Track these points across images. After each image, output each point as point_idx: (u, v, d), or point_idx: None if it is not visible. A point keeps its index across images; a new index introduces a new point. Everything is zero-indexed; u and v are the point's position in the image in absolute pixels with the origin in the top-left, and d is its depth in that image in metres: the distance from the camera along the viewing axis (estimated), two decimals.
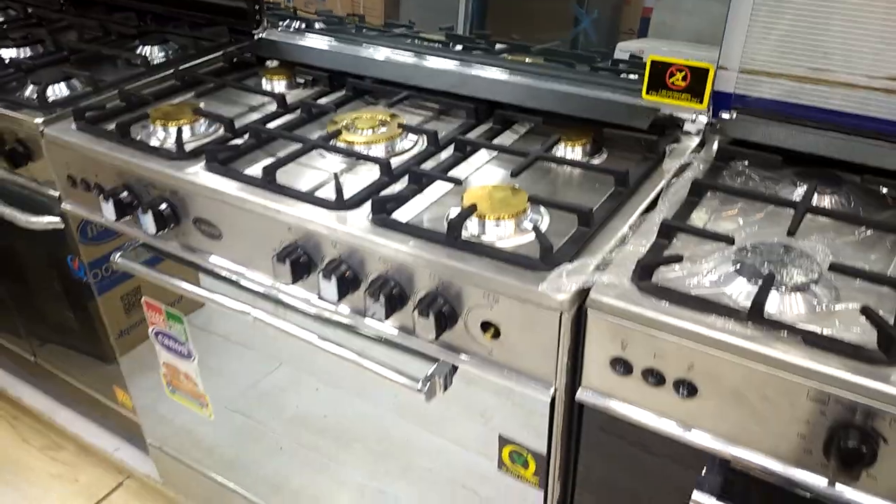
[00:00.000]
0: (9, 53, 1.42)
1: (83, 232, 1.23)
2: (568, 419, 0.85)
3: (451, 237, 0.83)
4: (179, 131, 1.06)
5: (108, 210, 1.05)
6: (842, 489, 0.70)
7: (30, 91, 1.25)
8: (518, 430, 0.89)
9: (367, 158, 1.01)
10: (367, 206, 0.91)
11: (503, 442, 0.91)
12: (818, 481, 0.71)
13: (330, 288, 0.88)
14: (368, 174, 0.99)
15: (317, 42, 1.39)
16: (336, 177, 0.93)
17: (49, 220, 1.25)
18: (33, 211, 1.27)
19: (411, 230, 0.86)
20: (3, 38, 1.49)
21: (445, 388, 0.90)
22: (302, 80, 1.33)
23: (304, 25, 1.43)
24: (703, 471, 0.77)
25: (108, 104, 1.21)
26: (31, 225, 1.27)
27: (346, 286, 0.89)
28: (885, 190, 0.92)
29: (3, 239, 1.45)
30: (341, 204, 0.91)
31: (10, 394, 1.81)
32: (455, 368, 0.89)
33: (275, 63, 1.37)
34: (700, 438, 0.76)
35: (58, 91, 1.24)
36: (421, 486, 1.06)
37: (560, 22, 1.21)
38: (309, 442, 1.17)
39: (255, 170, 1.00)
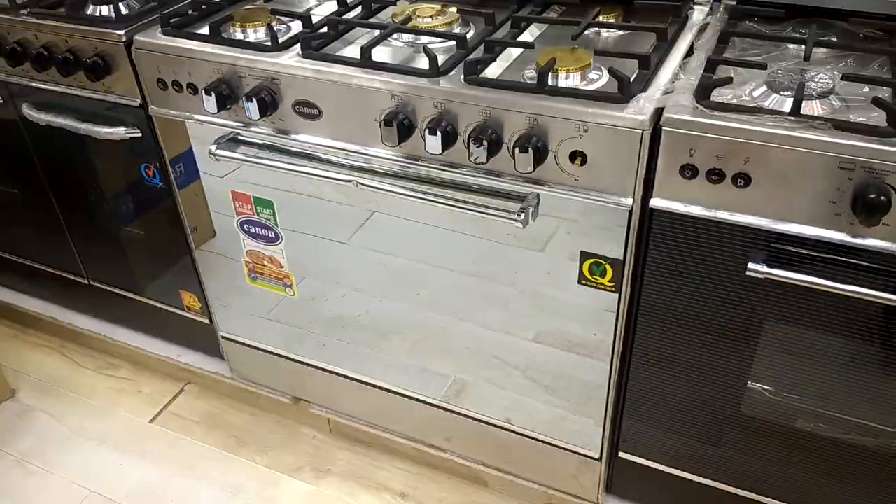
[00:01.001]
0: None
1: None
2: (642, 225, 1.06)
3: (541, 84, 1.02)
4: (270, 27, 1.20)
5: (210, 103, 1.18)
6: (865, 240, 0.93)
7: (95, 10, 1.34)
8: (597, 243, 1.10)
9: (444, 35, 1.17)
10: (456, 71, 1.09)
11: (584, 256, 1.12)
12: (847, 238, 0.94)
13: (435, 141, 1.06)
14: (444, 51, 1.16)
15: None
16: (426, 49, 1.10)
17: (128, 130, 1.37)
18: (111, 124, 1.38)
19: (503, 84, 1.04)
20: None
21: (535, 217, 1.09)
22: None
23: None
24: (754, 249, 1.00)
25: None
26: (110, 136, 1.38)
27: (448, 138, 1.07)
28: (864, 30, 1.16)
29: (68, 157, 1.54)
30: (436, 71, 1.08)
31: (60, 321, 1.90)
32: (538, 199, 1.09)
33: None
34: (752, 220, 0.98)
35: (124, 8, 1.34)
36: (512, 308, 1.26)
37: None
38: (400, 312, 1.35)
39: (343, 52, 1.15)
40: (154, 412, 1.74)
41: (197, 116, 1.27)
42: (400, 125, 1.08)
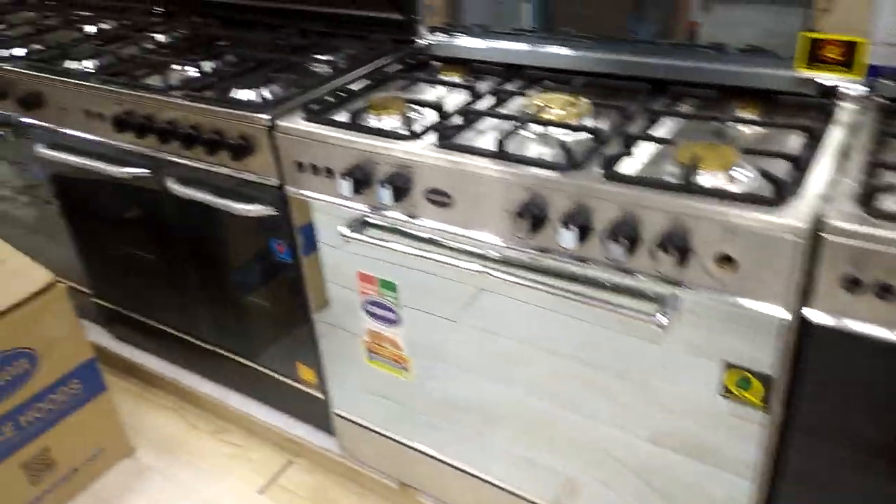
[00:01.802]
0: (201, 66, 1.60)
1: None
2: (797, 339, 0.98)
3: (687, 184, 0.98)
4: (405, 115, 1.22)
5: (346, 188, 1.21)
6: None
7: (240, 94, 1.41)
8: (743, 354, 1.02)
9: (577, 128, 1.16)
10: (590, 164, 1.07)
11: (728, 367, 1.04)
12: None
13: (569, 236, 1.03)
14: (577, 144, 1.14)
15: (472, 42, 1.56)
16: (561, 142, 1.09)
17: (263, 208, 1.42)
18: (247, 201, 1.44)
19: (645, 181, 1.01)
20: (186, 54, 1.67)
21: (674, 320, 1.04)
22: (471, 76, 1.49)
23: (445, 29, 1.60)
24: None
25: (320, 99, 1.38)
26: (247, 212, 1.43)
27: (583, 233, 1.04)
28: None
29: (203, 228, 1.62)
30: (571, 164, 1.06)
31: (181, 384, 1.97)
32: (678, 301, 1.03)
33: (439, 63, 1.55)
34: None
35: (268, 93, 1.41)
36: (630, 404, 1.20)
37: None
38: (509, 396, 1.31)
39: (477, 143, 1.16)
40: (263, 483, 1.75)
41: (331, 199, 1.30)
42: (532, 218, 1.07)
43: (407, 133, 1.20)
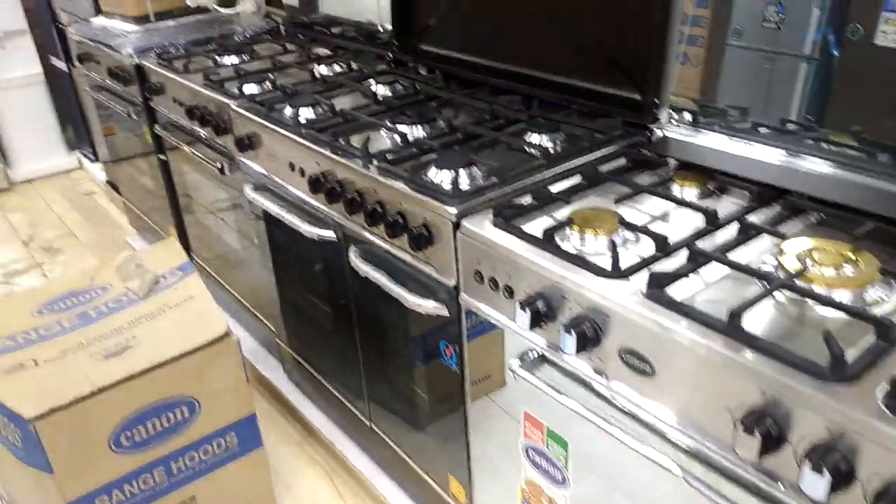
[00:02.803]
0: (405, 130, 1.46)
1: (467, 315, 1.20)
2: None
3: None
4: (613, 245, 0.96)
5: (523, 319, 0.98)
6: None
7: (435, 174, 1.24)
8: None
9: (856, 312, 0.82)
10: (868, 376, 0.73)
11: None
12: None
13: (820, 483, 0.70)
14: (849, 330, 0.80)
15: (720, 142, 1.24)
16: (828, 338, 0.76)
17: (436, 307, 1.23)
18: (422, 293, 1.26)
19: None
20: (398, 114, 1.55)
21: None
22: (712, 188, 1.19)
23: (690, 118, 1.29)
24: None
25: (518, 199, 1.16)
26: (417, 308, 1.26)
27: (842, 479, 0.70)
28: None
29: (379, 306, 1.48)
30: (838, 374, 0.73)
31: (335, 448, 1.86)
32: None
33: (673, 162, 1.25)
34: None
35: (464, 178, 1.23)
36: None
37: None
38: None
39: (700, 303, 0.86)
40: None
41: (506, 322, 1.08)
42: (766, 436, 0.75)
43: (609, 268, 0.94)
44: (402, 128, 1.47)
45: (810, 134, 1.13)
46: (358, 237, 1.41)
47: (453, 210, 1.14)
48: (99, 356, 1.46)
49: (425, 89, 1.73)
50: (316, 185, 1.44)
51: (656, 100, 1.34)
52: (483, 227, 1.09)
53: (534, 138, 1.39)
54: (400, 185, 1.24)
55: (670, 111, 1.32)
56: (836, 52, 1.10)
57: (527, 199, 1.16)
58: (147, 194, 2.67)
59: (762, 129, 1.20)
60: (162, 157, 2.35)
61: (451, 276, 1.19)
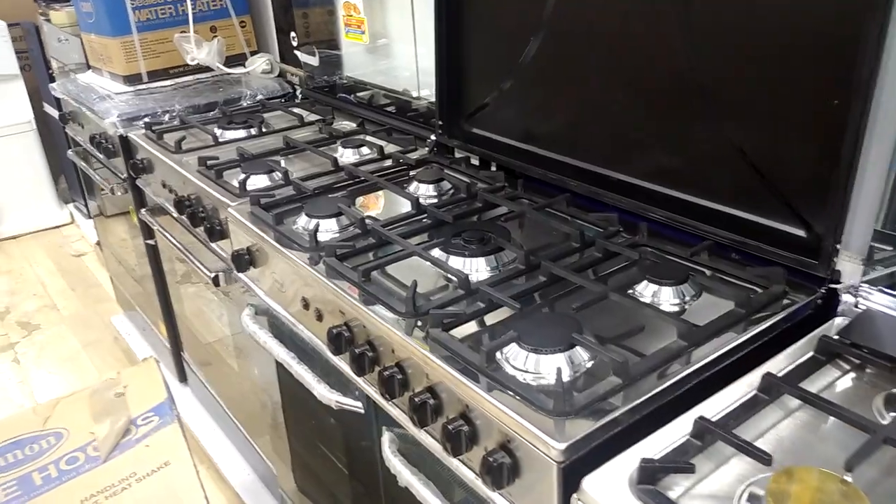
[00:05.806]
0: (461, 267, 1.06)
1: None
2: None
3: None
4: None
5: None
6: None
7: (516, 356, 0.83)
8: None
9: None
10: None
11: None
12: None
13: None
14: None
15: None
16: None
17: None
18: None
19: None
20: (452, 234, 1.14)
21: None
22: None
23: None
24: None
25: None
26: None
27: None
28: None
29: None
30: None
31: None
32: None
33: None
34: None
35: (566, 370, 0.81)
36: None
37: None
38: None
39: None
40: None
41: None
42: None
43: None
44: (455, 263, 1.06)
45: None
46: (394, 421, 0.99)
47: (558, 447, 0.71)
48: None
49: (481, 193, 1.31)
50: (337, 341, 1.03)
51: (834, 242, 0.91)
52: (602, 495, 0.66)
53: (649, 291, 0.97)
54: (464, 379, 0.83)
55: (864, 261, 0.90)
56: None
57: (681, 434, 0.73)
58: (135, 278, 2.27)
59: None
60: (150, 242, 1.96)
61: None
